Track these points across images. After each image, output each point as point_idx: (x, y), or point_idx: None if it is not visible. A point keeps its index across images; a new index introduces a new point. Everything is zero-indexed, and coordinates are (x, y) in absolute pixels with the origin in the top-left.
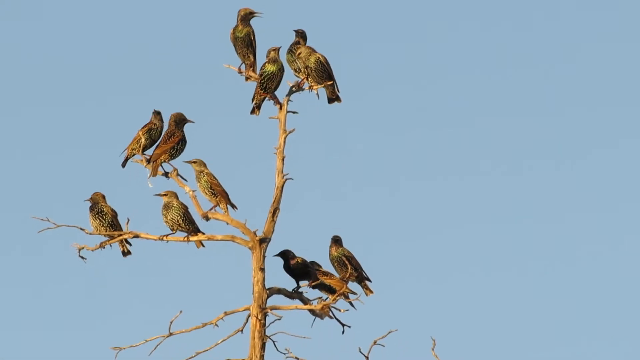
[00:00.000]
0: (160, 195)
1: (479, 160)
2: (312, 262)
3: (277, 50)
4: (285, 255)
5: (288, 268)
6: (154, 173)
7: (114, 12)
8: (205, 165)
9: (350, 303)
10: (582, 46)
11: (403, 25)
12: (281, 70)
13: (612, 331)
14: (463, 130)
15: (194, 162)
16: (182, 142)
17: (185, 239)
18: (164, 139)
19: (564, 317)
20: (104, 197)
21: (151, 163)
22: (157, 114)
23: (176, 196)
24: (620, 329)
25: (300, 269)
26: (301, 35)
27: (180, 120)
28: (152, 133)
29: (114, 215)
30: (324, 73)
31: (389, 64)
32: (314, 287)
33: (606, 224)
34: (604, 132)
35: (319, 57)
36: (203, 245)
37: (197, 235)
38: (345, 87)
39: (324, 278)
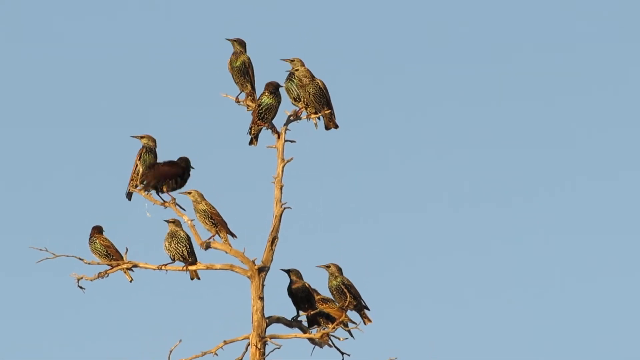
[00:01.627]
0: (167, 221)
1: (473, 189)
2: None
3: (276, 86)
4: (290, 274)
5: (290, 289)
6: (135, 190)
7: (112, 40)
8: (202, 196)
9: (349, 332)
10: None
11: (403, 55)
12: (279, 102)
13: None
14: (456, 159)
15: (189, 193)
16: (181, 178)
17: (184, 268)
18: (157, 165)
19: (565, 339)
20: (98, 229)
21: (147, 190)
22: (145, 137)
23: (181, 225)
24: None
25: (301, 292)
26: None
27: (187, 166)
28: (146, 157)
29: (107, 246)
30: (322, 99)
31: (384, 92)
32: (312, 316)
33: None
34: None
35: (317, 83)
36: (198, 278)
37: (195, 264)
38: (341, 114)
39: (324, 306)
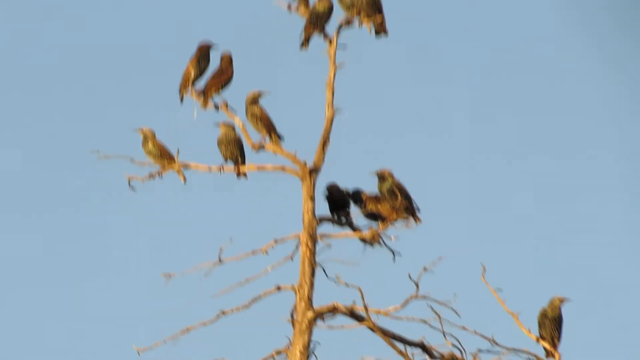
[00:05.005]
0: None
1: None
2: (357, 190)
3: None
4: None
5: (329, 199)
6: (205, 105)
7: None
8: (259, 97)
9: (406, 223)
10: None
11: None
12: (331, 8)
13: None
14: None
15: (258, 94)
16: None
17: (236, 169)
18: (217, 73)
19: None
20: (153, 134)
21: (202, 95)
22: (204, 46)
23: (233, 128)
24: None
25: (337, 194)
26: None
27: (231, 60)
28: (201, 63)
29: (160, 147)
30: (374, 5)
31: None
32: (365, 216)
33: None
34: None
35: None
36: (245, 176)
37: (245, 166)
38: (391, 21)
39: (374, 205)
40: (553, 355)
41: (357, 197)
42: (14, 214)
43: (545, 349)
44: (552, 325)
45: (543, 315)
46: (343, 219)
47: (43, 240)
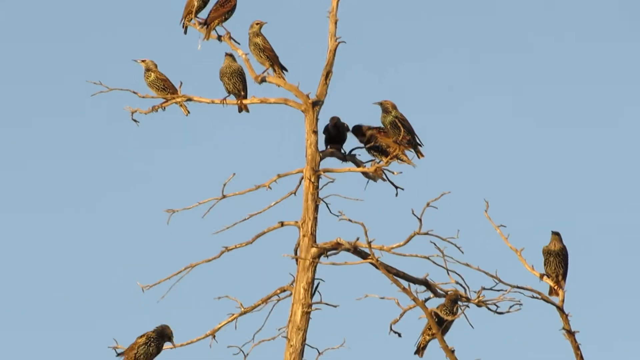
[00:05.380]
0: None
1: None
2: (357, 125)
3: None
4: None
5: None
6: (208, 36)
7: None
8: (260, 28)
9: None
10: None
11: None
12: None
13: None
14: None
15: (257, 24)
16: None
17: (238, 102)
18: (220, 3)
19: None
20: (155, 65)
21: (205, 26)
22: None
23: (235, 59)
24: None
25: (335, 129)
26: None
27: None
28: None
29: (163, 79)
30: None
31: None
32: (368, 150)
33: None
34: None
35: None
36: (247, 110)
37: (248, 98)
38: None
39: (378, 134)
40: (557, 293)
41: (357, 131)
42: (18, 150)
43: (549, 286)
44: (556, 262)
45: (547, 252)
46: (345, 153)
47: (43, 180)
